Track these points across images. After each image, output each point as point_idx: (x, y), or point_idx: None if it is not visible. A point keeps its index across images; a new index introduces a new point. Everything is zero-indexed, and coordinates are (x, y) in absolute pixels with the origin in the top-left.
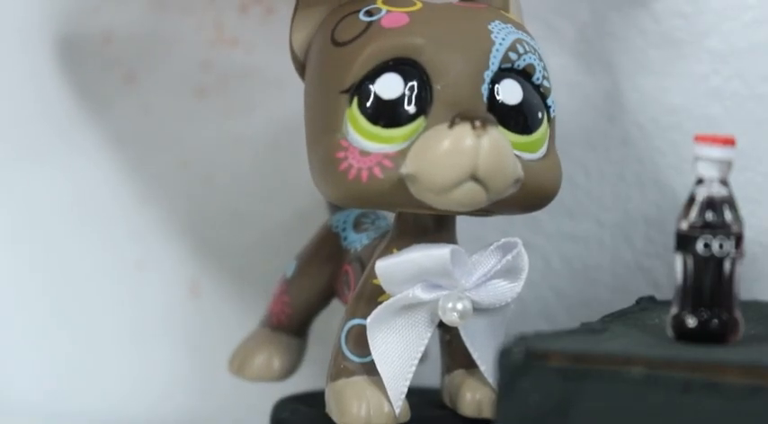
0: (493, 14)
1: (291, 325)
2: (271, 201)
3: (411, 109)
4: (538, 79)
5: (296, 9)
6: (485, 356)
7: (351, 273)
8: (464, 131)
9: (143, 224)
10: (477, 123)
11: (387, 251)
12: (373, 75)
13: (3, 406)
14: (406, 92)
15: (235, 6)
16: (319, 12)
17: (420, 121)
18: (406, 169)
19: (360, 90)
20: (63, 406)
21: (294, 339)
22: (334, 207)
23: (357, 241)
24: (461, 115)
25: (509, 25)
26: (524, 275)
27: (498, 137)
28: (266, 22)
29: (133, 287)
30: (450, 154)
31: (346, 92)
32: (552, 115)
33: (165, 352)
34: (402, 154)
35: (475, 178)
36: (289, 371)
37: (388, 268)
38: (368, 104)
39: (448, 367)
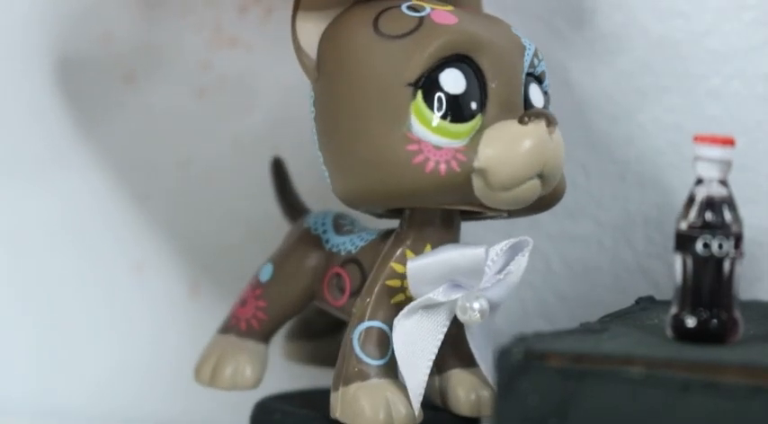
0: (508, 23)
1: (262, 331)
2: (271, 201)
3: (473, 105)
4: (546, 86)
5: (296, 11)
6: (484, 355)
7: (345, 276)
8: (539, 129)
9: (143, 224)
10: (548, 121)
11: (394, 251)
12: (437, 70)
13: (3, 406)
14: (468, 88)
15: (234, 7)
16: (328, 11)
17: (478, 118)
18: (479, 163)
19: (426, 83)
20: (63, 406)
21: (261, 345)
22: (294, 214)
23: (347, 242)
24: (532, 113)
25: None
26: (521, 272)
27: (560, 136)
28: (266, 23)
29: (133, 287)
30: (531, 150)
31: (411, 85)
32: None
33: (166, 352)
34: (469, 148)
35: (539, 174)
36: (259, 378)
37: (419, 268)
38: (434, 98)
39: (440, 368)
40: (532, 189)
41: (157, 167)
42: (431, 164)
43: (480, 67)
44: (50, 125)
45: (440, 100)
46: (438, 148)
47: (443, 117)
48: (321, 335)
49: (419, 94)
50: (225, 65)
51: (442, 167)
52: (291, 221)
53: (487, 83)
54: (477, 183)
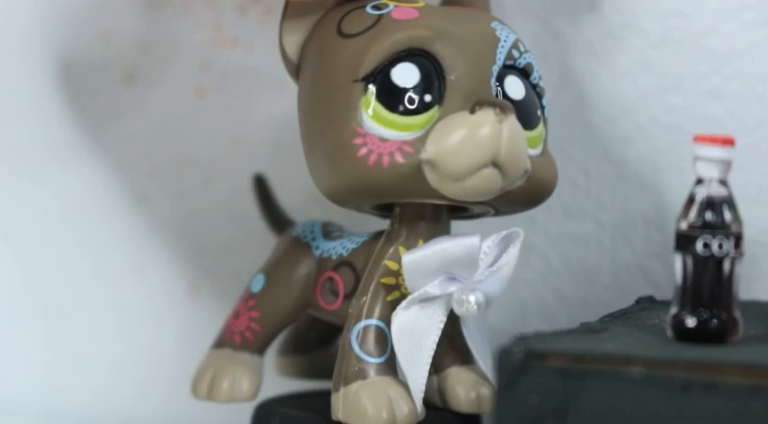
0: (491, 17)
1: (257, 343)
2: None
3: (427, 97)
4: (535, 79)
5: (284, 16)
6: (482, 351)
7: (338, 279)
8: (487, 117)
9: (142, 224)
10: (499, 109)
11: (387, 248)
12: (388, 65)
13: (3, 407)
14: (422, 81)
15: (234, 7)
16: (311, 16)
17: (435, 110)
18: (426, 154)
19: (376, 78)
20: (63, 408)
21: (256, 357)
22: (280, 227)
23: (337, 246)
24: (483, 102)
25: (506, 26)
26: (513, 265)
27: (516, 124)
28: (265, 23)
29: (132, 287)
30: (473, 139)
31: (361, 80)
32: (546, 115)
33: (165, 352)
34: (420, 140)
35: (494, 164)
36: (256, 391)
37: (415, 261)
38: (385, 92)
39: (437, 367)
40: (489, 178)
41: (157, 167)
42: (373, 157)
43: (438, 60)
44: (50, 124)
45: (390, 93)
46: (384, 141)
47: (393, 110)
48: (312, 349)
49: (371, 89)
50: (225, 65)
51: (385, 159)
52: (277, 234)
53: (446, 76)
54: (429, 175)
